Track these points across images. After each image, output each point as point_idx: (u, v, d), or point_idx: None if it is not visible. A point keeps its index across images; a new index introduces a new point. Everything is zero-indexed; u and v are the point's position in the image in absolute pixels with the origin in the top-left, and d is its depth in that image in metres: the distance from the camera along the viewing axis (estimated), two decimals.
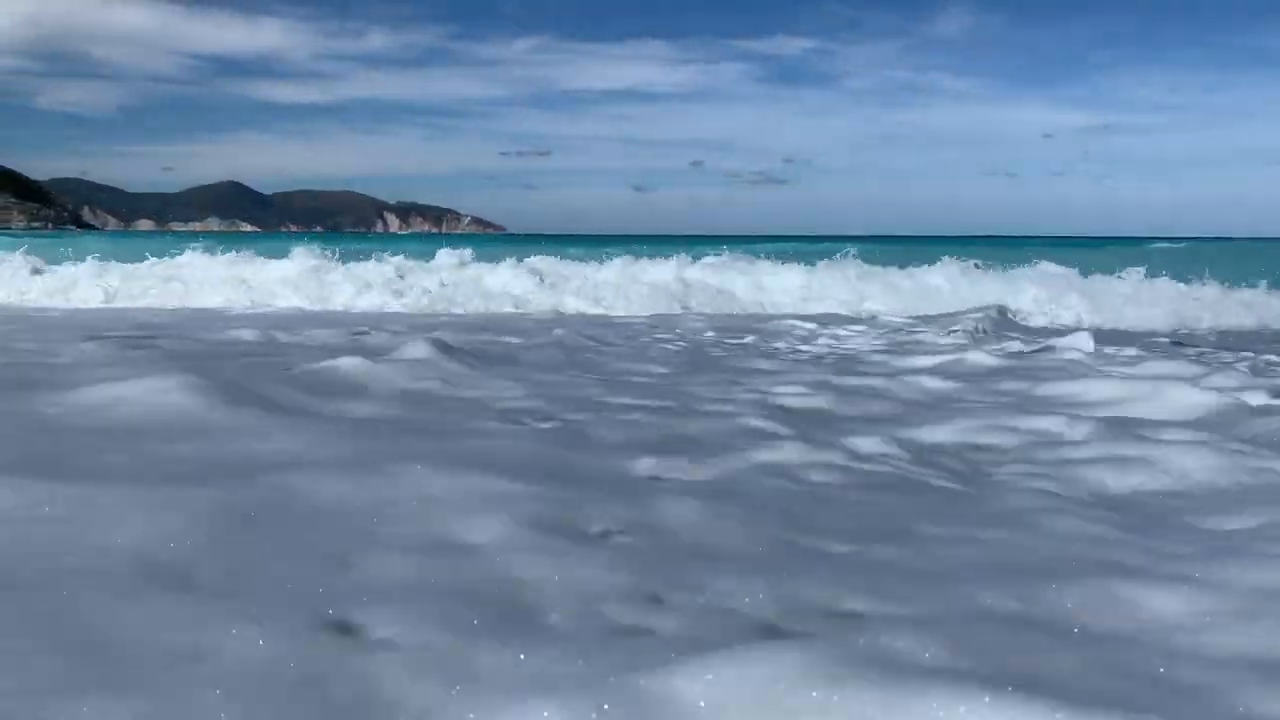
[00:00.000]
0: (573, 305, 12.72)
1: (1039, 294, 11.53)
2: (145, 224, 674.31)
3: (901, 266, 13.50)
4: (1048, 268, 12.90)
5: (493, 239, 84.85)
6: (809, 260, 14.76)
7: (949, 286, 11.98)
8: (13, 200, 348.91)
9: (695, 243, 30.20)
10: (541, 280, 13.74)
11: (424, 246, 22.43)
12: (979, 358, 6.52)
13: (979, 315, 9.63)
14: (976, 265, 12.84)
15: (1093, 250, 23.74)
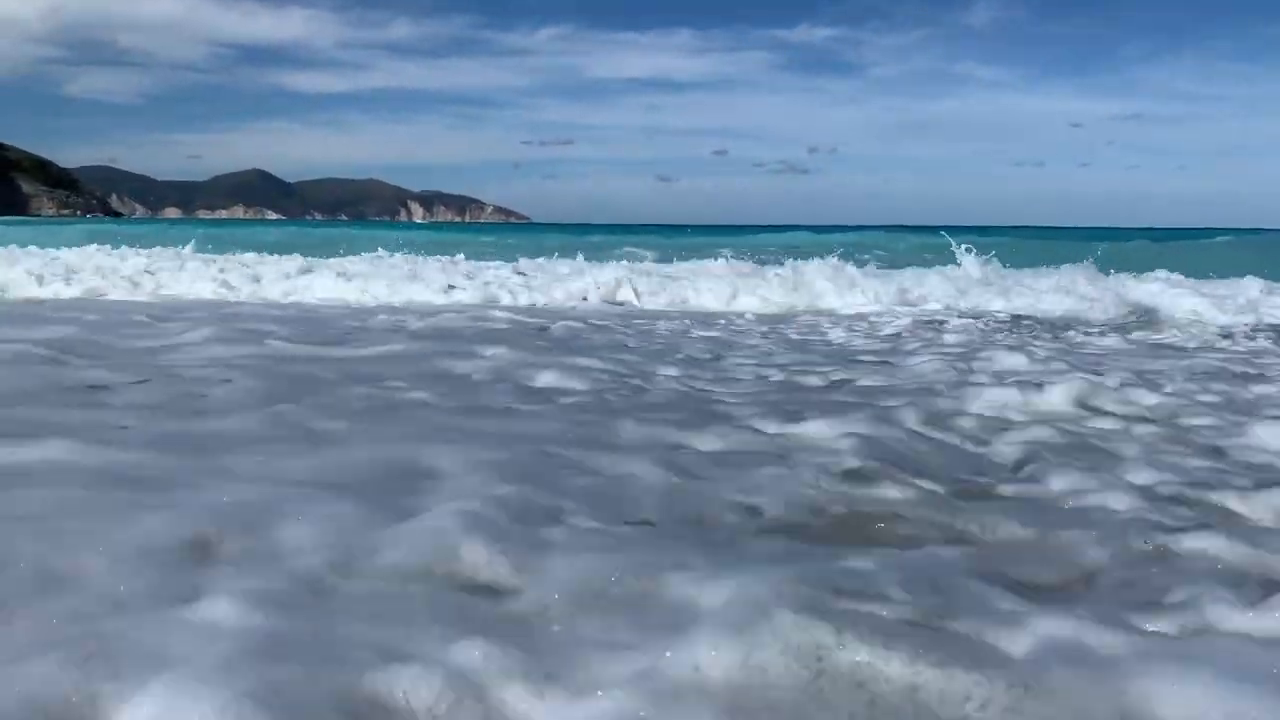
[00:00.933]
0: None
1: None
2: (172, 212, 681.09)
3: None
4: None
5: (516, 228, 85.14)
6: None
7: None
8: (43, 188, 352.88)
9: (720, 233, 30.30)
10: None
11: (451, 237, 22.71)
12: None
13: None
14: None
15: (1122, 241, 23.53)
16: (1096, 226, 77.03)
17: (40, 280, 10.88)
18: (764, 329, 8.06)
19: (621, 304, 10.62)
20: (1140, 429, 3.80)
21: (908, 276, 11.80)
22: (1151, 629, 1.83)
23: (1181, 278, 11.61)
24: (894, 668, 1.59)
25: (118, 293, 10.59)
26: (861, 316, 9.27)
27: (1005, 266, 12.32)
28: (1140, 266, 12.50)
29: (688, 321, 8.56)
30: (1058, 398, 4.25)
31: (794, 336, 7.55)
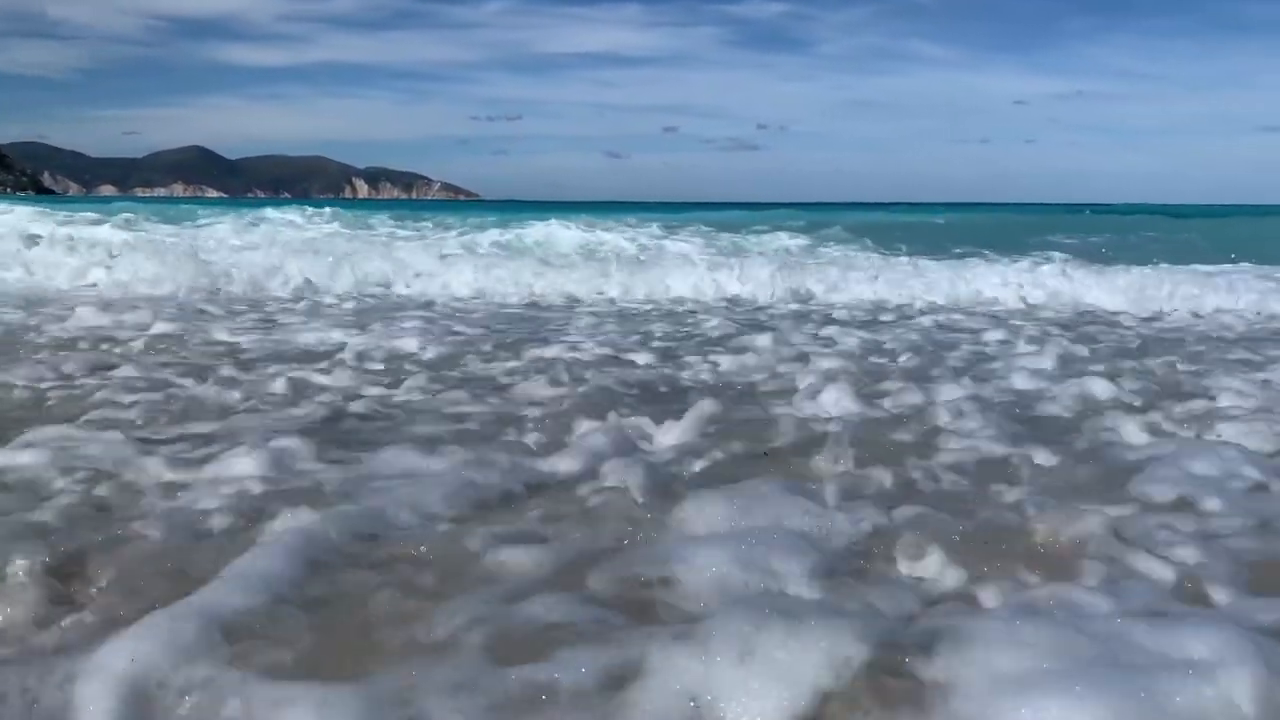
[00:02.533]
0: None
1: None
2: (108, 189, 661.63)
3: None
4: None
5: (465, 205, 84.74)
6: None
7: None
8: None
9: (670, 210, 30.97)
10: None
11: (403, 211, 23.03)
12: None
13: None
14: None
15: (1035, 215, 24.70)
16: (1040, 203, 79.07)
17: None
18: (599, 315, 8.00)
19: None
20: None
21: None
22: None
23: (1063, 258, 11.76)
24: None
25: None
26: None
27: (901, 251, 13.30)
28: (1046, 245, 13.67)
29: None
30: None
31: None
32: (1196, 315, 8.47)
